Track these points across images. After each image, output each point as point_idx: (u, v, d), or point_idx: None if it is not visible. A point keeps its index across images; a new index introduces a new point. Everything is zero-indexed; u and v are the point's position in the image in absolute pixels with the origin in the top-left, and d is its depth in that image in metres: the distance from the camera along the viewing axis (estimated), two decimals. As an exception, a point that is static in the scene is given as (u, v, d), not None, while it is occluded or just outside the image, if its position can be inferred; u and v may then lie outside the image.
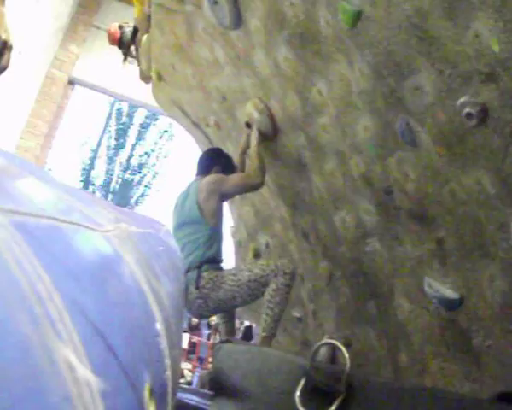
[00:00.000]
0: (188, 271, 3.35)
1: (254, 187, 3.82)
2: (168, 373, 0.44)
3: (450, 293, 2.78)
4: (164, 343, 0.43)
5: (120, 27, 6.02)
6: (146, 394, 0.40)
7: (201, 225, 3.57)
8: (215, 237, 3.64)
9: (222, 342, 1.01)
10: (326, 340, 0.84)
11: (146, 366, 0.40)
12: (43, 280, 0.31)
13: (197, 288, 3.41)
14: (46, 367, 0.28)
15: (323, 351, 0.85)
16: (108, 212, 0.52)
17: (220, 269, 3.58)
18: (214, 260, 3.58)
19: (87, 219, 0.43)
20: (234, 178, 3.76)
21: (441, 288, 2.84)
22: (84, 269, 0.37)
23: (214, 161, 4.02)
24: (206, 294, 3.42)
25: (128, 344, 0.37)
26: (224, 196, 3.79)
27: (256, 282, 3.41)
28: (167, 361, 0.44)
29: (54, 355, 0.29)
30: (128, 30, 5.95)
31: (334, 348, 0.87)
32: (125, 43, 6.03)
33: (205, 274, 3.45)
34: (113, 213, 0.52)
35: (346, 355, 0.79)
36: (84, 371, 0.31)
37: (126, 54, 6.11)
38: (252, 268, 3.48)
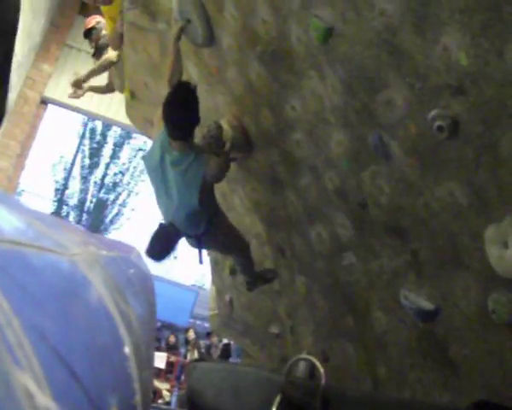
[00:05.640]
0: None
1: None
2: (137, 398, 0.43)
3: (426, 304, 2.80)
4: (132, 367, 0.42)
5: (97, 23, 6.05)
6: None
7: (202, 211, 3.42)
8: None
9: (196, 360, 1.00)
10: (300, 356, 0.84)
11: (112, 391, 0.39)
12: (0, 306, 0.31)
13: None
14: (2, 395, 0.27)
15: (302, 366, 0.85)
16: (77, 235, 0.51)
17: None
18: None
19: (53, 244, 0.42)
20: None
21: (417, 299, 2.86)
22: (47, 294, 0.36)
23: (193, 120, 3.31)
24: None
25: (93, 369, 0.37)
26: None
27: None
28: (136, 385, 0.43)
29: (11, 382, 0.28)
30: (102, 26, 5.97)
31: (312, 363, 0.87)
32: (93, 37, 6.07)
33: None
34: (81, 237, 0.51)
35: (321, 370, 0.79)
36: (44, 399, 0.30)
37: (96, 49, 6.13)
38: None
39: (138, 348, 0.44)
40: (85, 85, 6.14)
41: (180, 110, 3.17)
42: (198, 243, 3.62)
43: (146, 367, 0.47)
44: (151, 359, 0.54)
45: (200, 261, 3.81)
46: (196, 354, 10.87)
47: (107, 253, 0.53)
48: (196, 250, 3.83)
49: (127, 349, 0.42)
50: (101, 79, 6.64)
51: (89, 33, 6.12)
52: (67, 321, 0.37)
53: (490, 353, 2.54)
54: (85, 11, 10.57)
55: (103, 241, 0.61)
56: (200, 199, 3.23)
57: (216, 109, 4.05)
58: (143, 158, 3.58)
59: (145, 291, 0.59)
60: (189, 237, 3.60)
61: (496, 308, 2.38)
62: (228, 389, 0.89)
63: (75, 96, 6.08)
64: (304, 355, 0.82)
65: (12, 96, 9.86)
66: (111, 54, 5.70)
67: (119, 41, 5.42)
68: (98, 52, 6.07)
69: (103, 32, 5.94)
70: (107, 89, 6.69)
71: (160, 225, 3.63)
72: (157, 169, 3.33)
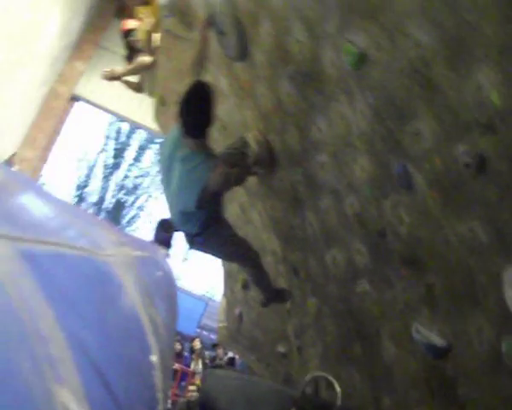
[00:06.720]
0: None
1: None
2: (160, 408, 0.43)
3: (437, 340, 2.77)
4: (158, 376, 0.42)
5: (136, 26, 6.15)
6: None
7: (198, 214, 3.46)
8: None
9: (212, 367, 1.00)
10: (319, 373, 0.84)
11: (140, 402, 0.39)
12: (46, 317, 0.31)
13: None
14: None
15: (308, 384, 0.85)
16: (111, 234, 0.52)
17: None
18: None
19: (90, 243, 0.42)
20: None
21: (429, 334, 2.82)
22: (88, 301, 0.37)
23: (207, 119, 3.26)
24: None
25: (125, 381, 0.37)
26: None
27: None
28: (160, 395, 0.43)
29: (53, 400, 0.28)
30: (138, 30, 6.07)
31: (317, 382, 0.87)
32: (131, 39, 6.15)
33: None
34: (115, 236, 0.52)
35: (338, 389, 0.79)
36: None
37: (130, 52, 6.22)
38: None
39: (164, 356, 0.44)
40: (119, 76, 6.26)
41: (194, 109, 3.17)
42: (191, 242, 3.69)
43: (168, 375, 0.47)
44: (171, 367, 0.54)
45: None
46: (200, 364, 10.82)
47: (139, 254, 0.53)
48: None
49: (154, 358, 0.42)
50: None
51: (127, 34, 6.20)
52: (104, 331, 0.37)
53: (501, 398, 2.49)
54: (121, 15, 10.72)
55: (134, 240, 0.61)
56: (198, 202, 3.24)
57: (243, 123, 4.06)
58: (160, 145, 3.63)
59: (170, 295, 0.59)
60: (184, 233, 3.68)
61: (509, 351, 2.35)
62: (241, 398, 0.89)
63: (108, 77, 6.15)
64: (322, 373, 0.82)
65: (44, 89, 9.99)
66: (146, 57, 5.77)
67: (151, 45, 5.49)
68: (132, 56, 6.15)
69: (139, 36, 6.02)
70: (137, 87, 6.77)
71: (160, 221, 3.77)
72: (165, 161, 3.39)
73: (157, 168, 24.06)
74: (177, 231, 3.66)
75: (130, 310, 0.42)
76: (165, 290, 0.58)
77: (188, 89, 3.22)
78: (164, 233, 3.66)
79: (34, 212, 0.38)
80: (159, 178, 23.99)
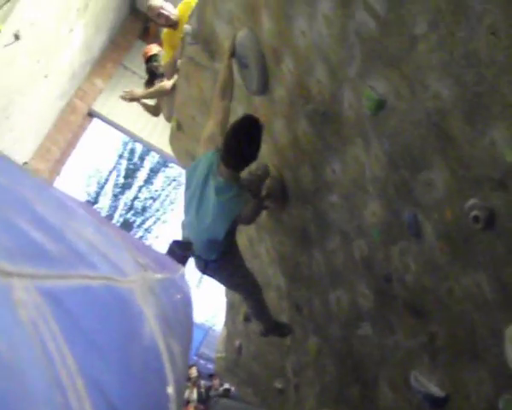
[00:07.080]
0: None
1: None
2: None
3: (436, 390, 2.75)
4: (173, 409, 0.43)
5: (159, 51, 6.23)
6: None
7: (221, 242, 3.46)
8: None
9: (219, 395, 1.01)
10: None
11: None
12: (67, 364, 0.31)
13: None
14: None
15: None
16: (133, 254, 0.52)
17: None
18: None
19: (113, 269, 0.43)
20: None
21: (428, 384, 2.81)
22: (109, 337, 0.37)
23: (253, 155, 3.30)
24: None
25: None
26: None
27: None
28: None
29: None
30: (161, 56, 6.14)
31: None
32: (153, 64, 6.22)
33: None
34: (138, 256, 0.52)
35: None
36: None
37: (152, 77, 6.27)
38: None
39: (179, 386, 0.45)
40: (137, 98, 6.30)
41: (243, 141, 3.17)
42: (204, 267, 3.67)
43: (181, 404, 0.47)
44: (184, 393, 0.55)
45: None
46: (195, 393, 10.71)
47: (160, 276, 0.54)
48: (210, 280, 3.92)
49: (170, 390, 0.43)
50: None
51: (150, 60, 6.28)
52: (125, 369, 0.37)
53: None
54: (145, 37, 10.90)
55: (155, 258, 0.62)
56: (227, 232, 3.29)
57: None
58: (190, 169, 3.57)
59: (186, 317, 0.60)
60: (198, 258, 3.64)
61: (506, 408, 2.34)
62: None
63: (127, 98, 6.14)
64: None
65: (61, 103, 10.12)
66: (166, 83, 5.84)
67: (173, 69, 5.56)
68: (152, 81, 6.22)
69: (162, 61, 6.11)
70: (154, 111, 6.82)
71: (172, 243, 3.71)
72: (197, 186, 3.34)
73: (168, 192, 24.20)
74: (192, 256, 3.62)
75: (150, 341, 0.42)
76: (183, 312, 0.58)
77: (238, 121, 3.25)
78: (177, 255, 3.60)
79: (54, 237, 0.38)
80: (168, 201, 24.16)
